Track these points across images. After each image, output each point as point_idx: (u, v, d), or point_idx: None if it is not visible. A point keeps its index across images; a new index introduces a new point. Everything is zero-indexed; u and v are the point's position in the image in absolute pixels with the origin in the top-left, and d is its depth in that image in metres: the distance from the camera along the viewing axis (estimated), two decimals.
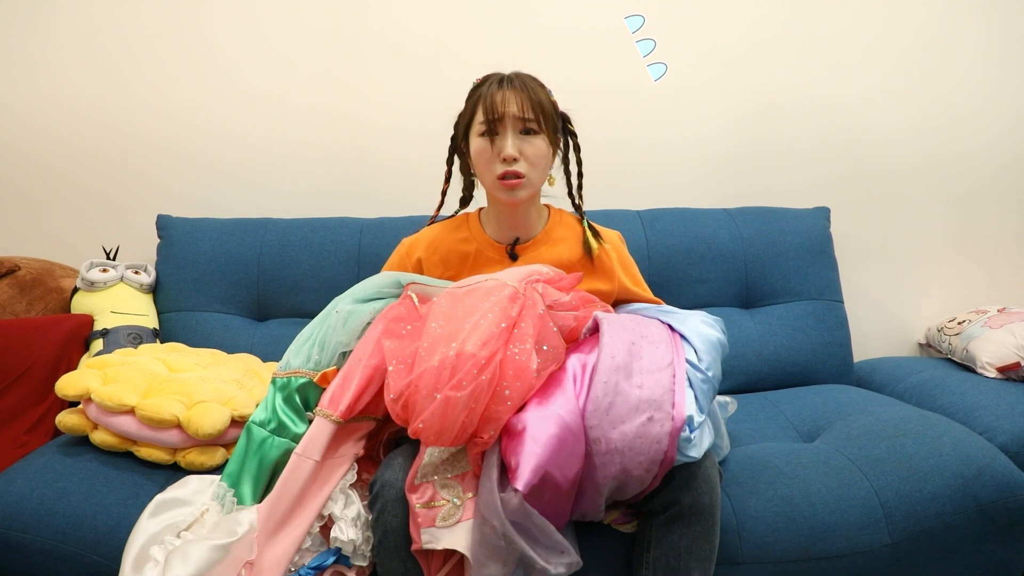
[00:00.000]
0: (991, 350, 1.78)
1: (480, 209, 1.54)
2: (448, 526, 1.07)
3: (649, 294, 1.55)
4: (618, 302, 1.51)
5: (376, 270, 1.85)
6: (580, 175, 1.50)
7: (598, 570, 1.20)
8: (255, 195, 2.10)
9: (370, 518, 1.16)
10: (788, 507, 1.26)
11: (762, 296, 1.95)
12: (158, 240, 1.93)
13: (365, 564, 1.17)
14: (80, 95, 2.05)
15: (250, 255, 1.88)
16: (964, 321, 1.97)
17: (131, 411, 1.30)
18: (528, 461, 1.03)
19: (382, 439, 1.31)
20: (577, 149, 1.49)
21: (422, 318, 1.22)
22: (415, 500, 1.09)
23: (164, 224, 1.93)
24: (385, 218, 1.97)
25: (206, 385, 1.39)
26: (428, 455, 1.11)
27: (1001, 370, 1.74)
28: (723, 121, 2.18)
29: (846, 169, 2.20)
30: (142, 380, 1.37)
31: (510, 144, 1.33)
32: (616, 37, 2.14)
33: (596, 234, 1.48)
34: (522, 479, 1.02)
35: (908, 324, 2.24)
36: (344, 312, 1.31)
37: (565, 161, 1.49)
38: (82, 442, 1.36)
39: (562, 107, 1.46)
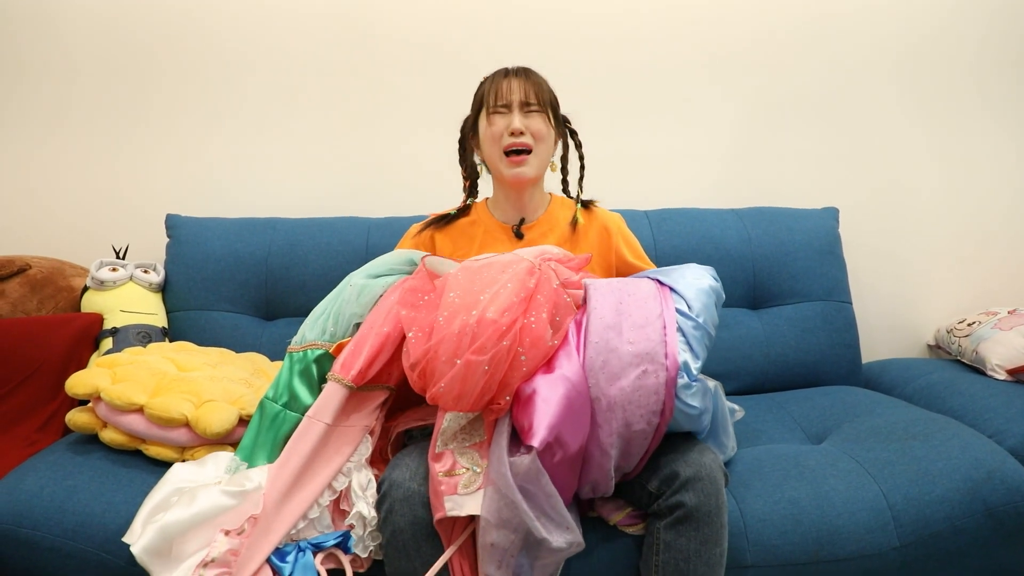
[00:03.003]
0: (1001, 352, 1.77)
1: (486, 199, 1.61)
2: (470, 493, 1.10)
3: (653, 267, 1.56)
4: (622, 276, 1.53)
5: None
6: (582, 167, 1.57)
7: (607, 573, 1.20)
8: (264, 195, 2.11)
9: (378, 519, 1.17)
10: (796, 509, 1.26)
11: (770, 297, 1.95)
12: (167, 239, 1.94)
13: (364, 555, 1.18)
14: (89, 93, 2.06)
15: (259, 255, 1.89)
16: (974, 323, 1.96)
17: (140, 410, 1.30)
18: (542, 420, 1.06)
19: (390, 438, 1.31)
20: (579, 145, 1.58)
21: (437, 290, 1.24)
22: (437, 469, 1.12)
23: (173, 223, 1.94)
24: (393, 218, 1.98)
25: (214, 384, 1.39)
26: (447, 420, 1.15)
27: (1011, 372, 1.73)
28: (731, 121, 2.17)
29: (855, 170, 2.19)
30: (151, 379, 1.37)
31: (517, 119, 1.42)
32: (626, 38, 2.13)
33: (587, 209, 1.56)
34: (537, 436, 1.05)
35: (917, 325, 2.22)
36: (358, 285, 1.34)
37: (564, 158, 1.59)
38: (91, 440, 1.37)
39: (563, 110, 1.56)
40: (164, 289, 1.90)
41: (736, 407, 1.46)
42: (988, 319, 1.93)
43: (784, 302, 1.94)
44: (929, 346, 2.21)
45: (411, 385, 1.17)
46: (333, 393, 1.22)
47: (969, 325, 1.96)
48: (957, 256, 2.22)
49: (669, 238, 1.93)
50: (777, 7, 2.15)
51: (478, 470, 1.12)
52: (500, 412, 1.13)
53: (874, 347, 2.17)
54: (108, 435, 1.33)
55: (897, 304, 2.22)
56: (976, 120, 2.19)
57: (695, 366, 1.14)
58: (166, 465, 1.32)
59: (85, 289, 1.83)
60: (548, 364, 1.14)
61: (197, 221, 1.95)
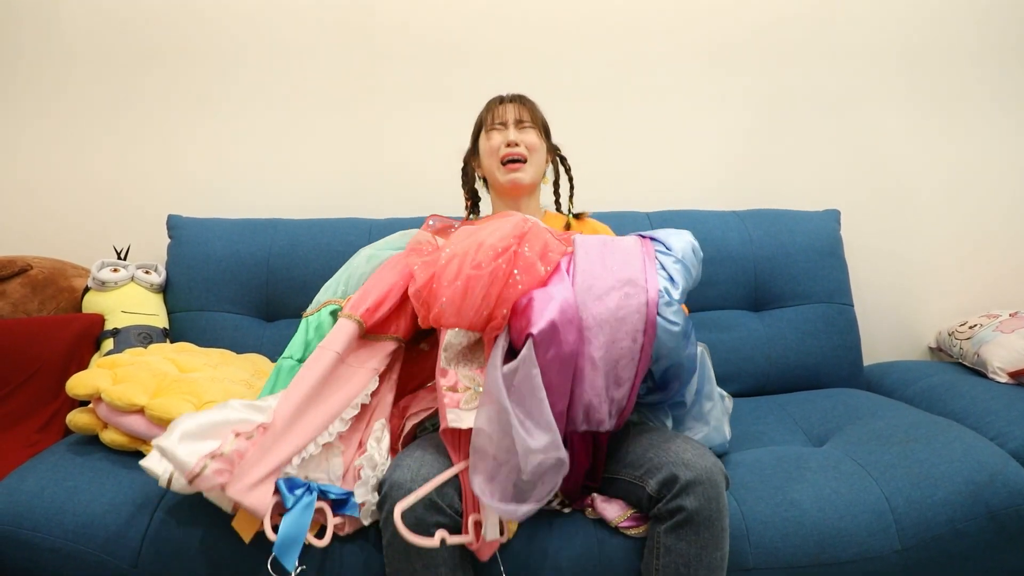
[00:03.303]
0: (1003, 355, 1.77)
1: (487, 215, 1.71)
2: (470, 409, 1.17)
3: None
4: None
5: None
6: (572, 187, 1.71)
7: (609, 574, 1.20)
8: (265, 195, 2.11)
9: (380, 519, 1.18)
10: (797, 512, 1.26)
11: (771, 299, 1.95)
12: (168, 240, 1.94)
13: (367, 522, 1.21)
14: (91, 94, 2.07)
15: (260, 255, 1.89)
16: (975, 325, 1.96)
17: (141, 411, 1.30)
18: (540, 315, 1.14)
19: (402, 432, 1.32)
20: (568, 169, 1.72)
21: (443, 245, 1.36)
22: (443, 383, 1.19)
23: (174, 224, 1.94)
24: (394, 219, 1.98)
25: (215, 385, 1.39)
26: (448, 336, 1.23)
27: (1013, 375, 1.73)
28: (732, 123, 2.17)
29: (856, 171, 2.19)
30: (152, 380, 1.37)
31: (512, 132, 1.59)
32: (627, 38, 2.14)
33: (579, 220, 1.70)
34: (536, 325, 1.12)
35: (919, 328, 2.22)
36: (366, 254, 1.50)
37: (556, 183, 1.72)
38: (92, 441, 1.37)
39: (554, 140, 1.71)
40: (165, 290, 1.90)
41: (725, 394, 1.48)
42: (990, 322, 1.93)
43: (785, 304, 1.94)
44: (930, 348, 2.21)
45: (417, 313, 1.26)
46: (343, 327, 1.28)
47: (971, 328, 1.96)
48: (958, 258, 2.21)
49: None
50: (778, 9, 2.15)
51: (479, 389, 1.19)
52: (498, 329, 1.20)
53: (875, 349, 2.17)
54: (109, 436, 1.33)
55: (898, 306, 2.22)
56: (977, 122, 2.19)
57: (675, 290, 1.22)
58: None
59: (86, 290, 1.83)
60: (542, 285, 1.22)
61: (198, 222, 1.95)
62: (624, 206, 2.06)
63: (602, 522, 1.24)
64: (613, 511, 1.24)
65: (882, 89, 2.17)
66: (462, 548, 1.15)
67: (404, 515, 1.09)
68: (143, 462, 1.13)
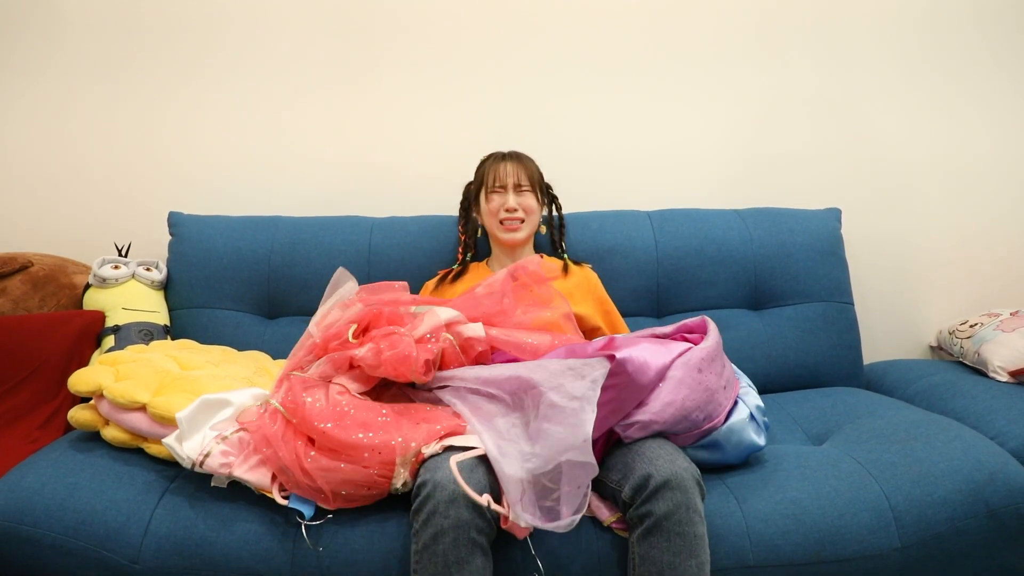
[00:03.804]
0: (1003, 354, 1.77)
1: (486, 259, 1.89)
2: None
3: (621, 323, 1.81)
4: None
5: (385, 270, 1.88)
6: (562, 226, 1.92)
7: (602, 570, 1.20)
8: (266, 193, 2.11)
9: (416, 524, 1.14)
10: (798, 510, 1.26)
11: (771, 298, 1.95)
12: (170, 237, 1.94)
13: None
14: (92, 91, 2.07)
15: (261, 253, 1.89)
16: (976, 324, 1.96)
17: (143, 408, 1.30)
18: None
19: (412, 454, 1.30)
20: (559, 208, 1.92)
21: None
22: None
23: (176, 221, 1.94)
24: (395, 217, 1.98)
25: (217, 383, 1.39)
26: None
27: (1013, 374, 1.73)
28: (733, 121, 2.17)
29: (857, 170, 2.19)
30: (154, 377, 1.37)
31: (511, 198, 1.77)
32: (628, 36, 2.14)
33: (578, 266, 1.85)
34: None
35: (919, 327, 2.22)
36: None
37: (550, 218, 1.91)
38: (93, 438, 1.37)
39: (547, 178, 1.89)
40: (166, 287, 1.90)
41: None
42: (990, 320, 1.93)
43: (786, 303, 1.94)
44: (931, 347, 2.21)
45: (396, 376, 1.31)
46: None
47: (971, 327, 1.96)
48: (959, 257, 2.21)
49: (671, 239, 1.93)
50: (779, 6, 2.15)
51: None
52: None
53: (876, 348, 2.17)
54: (110, 433, 1.33)
55: (899, 305, 2.22)
56: (979, 121, 2.19)
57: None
58: (168, 463, 1.32)
59: (87, 287, 1.83)
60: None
61: (199, 219, 1.95)
62: (625, 204, 2.06)
63: (596, 520, 1.24)
64: (604, 512, 1.24)
65: (883, 87, 2.17)
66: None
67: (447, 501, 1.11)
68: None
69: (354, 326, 1.34)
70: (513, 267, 1.57)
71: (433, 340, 1.34)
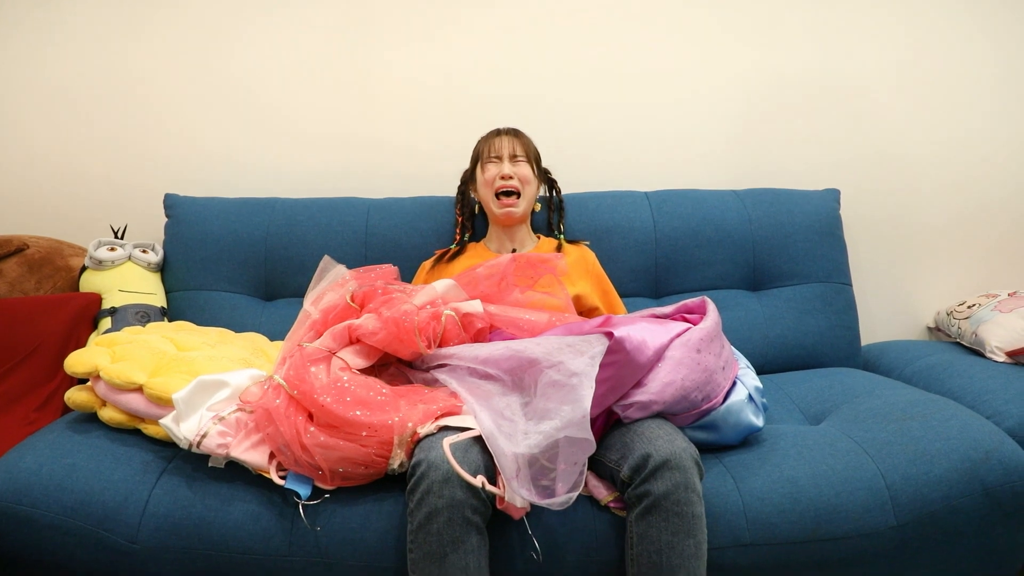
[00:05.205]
0: (1001, 334, 1.77)
1: (482, 240, 1.87)
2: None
3: (619, 302, 1.81)
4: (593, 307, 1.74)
5: (383, 251, 1.87)
6: (561, 209, 1.90)
7: (600, 549, 1.21)
8: (263, 175, 2.10)
9: (410, 503, 1.13)
10: (794, 489, 1.26)
11: (770, 278, 1.94)
12: (166, 219, 1.93)
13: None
14: (87, 73, 2.05)
15: (257, 235, 1.88)
16: (974, 305, 1.95)
17: (139, 389, 1.30)
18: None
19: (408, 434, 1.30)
20: (558, 191, 1.91)
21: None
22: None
23: (172, 203, 1.93)
24: (392, 198, 1.97)
25: (213, 364, 1.39)
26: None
27: (1011, 354, 1.73)
28: (732, 102, 2.16)
29: (856, 151, 2.18)
30: (150, 358, 1.37)
31: (507, 166, 1.74)
32: (626, 17, 2.12)
33: (572, 244, 1.85)
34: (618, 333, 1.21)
35: (917, 307, 2.22)
36: None
37: (549, 200, 1.90)
38: (91, 419, 1.38)
39: (545, 161, 1.86)
40: (163, 269, 1.89)
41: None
42: (988, 301, 1.93)
43: (784, 284, 1.93)
44: (929, 328, 2.21)
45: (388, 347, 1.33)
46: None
47: (969, 307, 1.96)
48: (957, 238, 2.21)
49: (669, 219, 1.92)
50: None
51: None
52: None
53: (874, 329, 2.17)
54: (107, 414, 1.34)
55: (897, 286, 2.21)
56: (978, 103, 2.17)
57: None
58: (165, 444, 1.33)
59: (83, 269, 1.82)
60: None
61: (196, 201, 1.94)
62: (623, 185, 2.05)
63: (593, 499, 1.25)
64: (602, 491, 1.24)
65: (883, 67, 2.15)
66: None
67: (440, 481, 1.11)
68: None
69: (352, 287, 1.37)
70: (519, 255, 1.56)
71: (432, 309, 1.35)
